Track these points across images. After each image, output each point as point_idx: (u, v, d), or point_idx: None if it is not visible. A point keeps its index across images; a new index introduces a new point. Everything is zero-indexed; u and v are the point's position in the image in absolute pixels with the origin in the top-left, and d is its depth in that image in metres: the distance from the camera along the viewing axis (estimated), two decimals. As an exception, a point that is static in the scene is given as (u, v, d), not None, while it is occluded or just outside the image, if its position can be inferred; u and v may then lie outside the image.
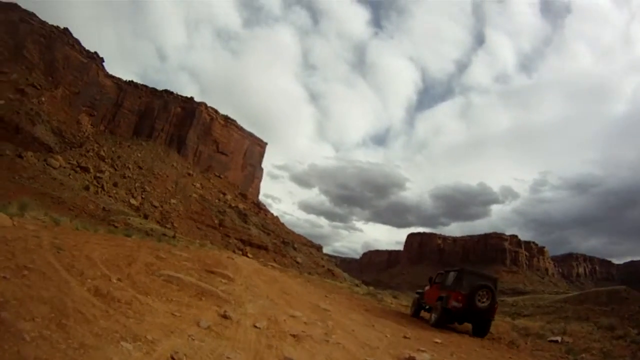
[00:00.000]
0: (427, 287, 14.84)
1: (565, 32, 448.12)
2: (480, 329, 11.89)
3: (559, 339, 13.10)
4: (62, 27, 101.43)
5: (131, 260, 9.09)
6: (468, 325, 12.46)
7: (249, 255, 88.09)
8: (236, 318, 6.18)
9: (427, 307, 13.97)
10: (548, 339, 13.00)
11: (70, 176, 73.46)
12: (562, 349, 11.41)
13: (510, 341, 11.58)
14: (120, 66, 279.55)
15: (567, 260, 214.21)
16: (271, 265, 29.51)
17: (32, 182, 60.93)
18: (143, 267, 8.55)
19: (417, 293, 15.32)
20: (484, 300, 11.62)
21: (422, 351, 6.76)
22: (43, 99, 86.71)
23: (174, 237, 58.97)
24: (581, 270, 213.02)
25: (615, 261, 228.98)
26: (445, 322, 11.98)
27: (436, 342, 8.18)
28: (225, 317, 6.16)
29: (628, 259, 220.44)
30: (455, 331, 12.01)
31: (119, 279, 6.91)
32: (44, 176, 65.75)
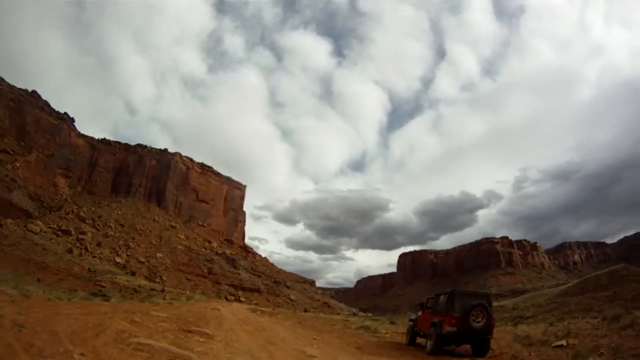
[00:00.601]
0: (419, 313, 14.41)
1: (522, 32, 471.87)
2: (480, 349, 11.46)
3: (563, 343, 12.72)
4: (30, 89, 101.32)
5: (100, 330, 8.49)
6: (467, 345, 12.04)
7: (241, 299, 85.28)
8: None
9: (421, 333, 13.49)
10: (553, 345, 12.60)
11: (52, 240, 71.78)
12: (568, 353, 11.02)
13: (513, 355, 11.16)
14: (92, 124, 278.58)
15: (561, 250, 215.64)
16: (260, 310, 28.37)
17: (14, 248, 59.25)
18: (113, 336, 7.96)
19: (411, 320, 14.83)
20: (479, 319, 11.27)
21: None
22: (17, 164, 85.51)
23: (162, 291, 56.91)
24: (577, 257, 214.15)
25: (609, 240, 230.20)
26: (442, 347, 11.53)
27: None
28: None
29: (621, 236, 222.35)
30: (453, 355, 11.54)
31: (82, 354, 6.37)
32: (26, 242, 64.08)
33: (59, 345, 6.78)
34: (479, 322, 11.27)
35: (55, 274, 54.79)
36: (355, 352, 10.61)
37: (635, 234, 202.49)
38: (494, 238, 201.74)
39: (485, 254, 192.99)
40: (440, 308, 12.05)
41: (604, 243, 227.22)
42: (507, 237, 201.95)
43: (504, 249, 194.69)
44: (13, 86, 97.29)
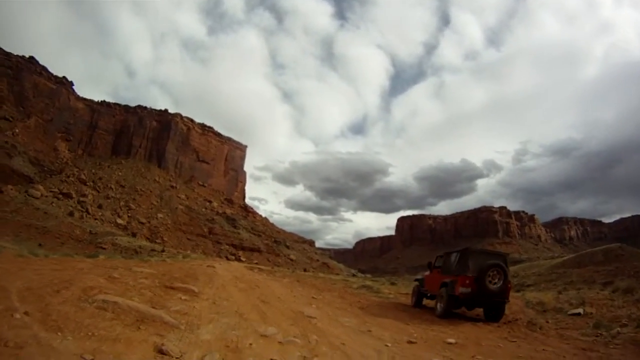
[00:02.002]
0: (426, 273, 13.36)
1: (528, 3, 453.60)
2: (494, 313, 10.45)
3: (580, 311, 11.76)
4: (27, 56, 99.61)
5: (65, 287, 7.27)
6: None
7: (242, 259, 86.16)
8: (178, 352, 4.47)
9: (429, 294, 12.50)
10: (569, 313, 11.63)
11: (53, 204, 72.27)
12: (588, 323, 10.03)
13: (529, 321, 10.12)
14: (91, 88, 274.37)
15: (558, 224, 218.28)
16: (258, 269, 27.75)
17: (15, 215, 59.85)
18: (77, 294, 6.75)
19: (417, 280, 13.82)
20: (496, 281, 10.15)
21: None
22: (17, 130, 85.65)
23: (162, 251, 57.02)
24: (573, 233, 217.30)
25: (606, 220, 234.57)
26: (453, 310, 10.53)
27: (449, 344, 6.61)
28: (162, 352, 4.44)
29: (617, 217, 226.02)
30: (465, 319, 10.55)
31: (26, 313, 5.12)
32: (27, 207, 64.68)
33: (3, 302, 5.59)
34: (495, 283, 10.17)
35: (56, 238, 55.18)
36: (358, 312, 9.56)
37: (632, 216, 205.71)
38: (493, 207, 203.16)
39: (484, 223, 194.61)
40: (452, 267, 10.91)
41: (600, 222, 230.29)
42: (505, 207, 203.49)
43: (502, 218, 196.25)
44: (10, 53, 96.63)
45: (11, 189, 67.77)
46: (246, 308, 7.72)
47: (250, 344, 5.08)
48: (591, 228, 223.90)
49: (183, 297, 7.71)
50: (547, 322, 10.36)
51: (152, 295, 7.49)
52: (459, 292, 9.96)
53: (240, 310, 7.32)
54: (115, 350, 4.32)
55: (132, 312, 5.76)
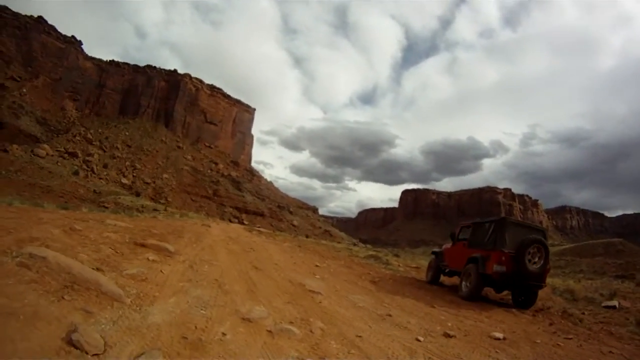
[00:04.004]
0: (446, 245, 11.64)
1: None
2: (526, 299, 8.77)
3: (615, 304, 10.15)
4: (36, 15, 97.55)
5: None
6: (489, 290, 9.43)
7: (245, 222, 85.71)
8: (98, 344, 2.79)
9: (446, 270, 10.83)
10: (603, 305, 10.02)
11: (59, 163, 72.23)
12: (628, 318, 8.41)
13: (564, 311, 8.48)
14: (100, 48, 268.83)
15: (561, 213, 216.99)
16: (258, 231, 26.39)
17: (20, 174, 59.83)
18: (7, 244, 5.09)
19: (434, 253, 12.08)
20: (536, 260, 8.40)
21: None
22: (24, 90, 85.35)
23: (165, 210, 56.40)
24: (575, 222, 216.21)
25: (608, 214, 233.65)
26: (481, 291, 8.87)
27: (498, 340, 4.93)
28: (72, 343, 2.75)
29: (620, 213, 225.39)
30: (493, 303, 8.94)
31: None
32: (32, 167, 64.37)
33: None
34: (535, 263, 8.41)
35: (59, 197, 54.76)
36: (371, 288, 7.90)
37: (635, 213, 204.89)
38: (497, 188, 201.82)
39: (487, 202, 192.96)
40: (484, 240, 9.11)
41: (602, 215, 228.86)
42: (509, 190, 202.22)
43: (505, 200, 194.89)
44: (18, 13, 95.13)
45: (17, 149, 67.64)
46: (231, 276, 6.06)
47: (224, 334, 3.38)
48: (593, 220, 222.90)
49: (151, 258, 6.05)
50: (583, 313, 8.74)
51: (110, 253, 5.84)
52: (493, 270, 8.23)
53: (223, 279, 5.66)
54: (4, 333, 2.66)
55: (62, 274, 4.04)
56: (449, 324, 5.39)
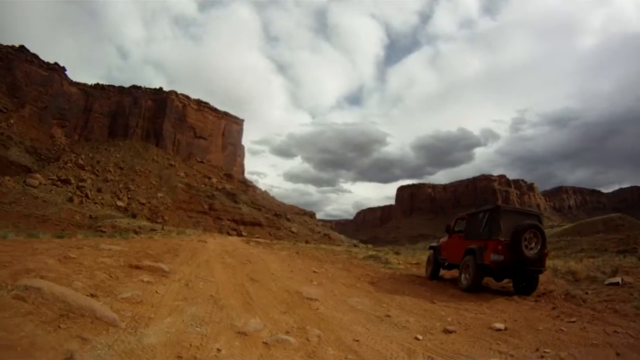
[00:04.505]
0: (443, 239, 11.65)
1: None
2: (526, 285, 8.78)
3: (618, 280, 10.16)
4: (17, 45, 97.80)
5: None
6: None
7: (243, 233, 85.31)
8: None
9: (445, 264, 10.83)
10: (606, 283, 10.03)
11: (52, 192, 72.16)
12: (632, 294, 8.43)
13: (566, 293, 8.48)
14: (84, 72, 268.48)
15: (557, 193, 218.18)
16: (256, 242, 26.27)
17: (15, 205, 59.58)
18: (3, 278, 5.05)
19: (431, 248, 12.08)
20: (533, 245, 8.42)
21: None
22: (12, 121, 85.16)
23: (162, 229, 56.07)
24: (572, 202, 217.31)
25: (604, 190, 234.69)
26: (481, 282, 8.86)
27: (499, 331, 4.91)
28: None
29: (616, 187, 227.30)
30: (494, 292, 8.93)
31: None
32: (26, 197, 64.12)
33: None
34: (532, 249, 8.43)
35: (56, 225, 54.51)
36: (369, 289, 7.86)
37: (631, 187, 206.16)
38: (492, 176, 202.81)
39: (483, 191, 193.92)
40: (480, 230, 9.12)
41: (599, 192, 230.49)
42: (504, 176, 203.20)
43: (501, 187, 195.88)
44: None
45: (9, 180, 67.35)
46: (227, 290, 6.00)
47: (219, 350, 3.33)
48: (590, 198, 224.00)
49: (146, 279, 5.97)
50: (587, 293, 8.75)
51: (104, 278, 5.75)
52: (490, 260, 8.24)
53: (219, 294, 5.60)
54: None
55: (57, 304, 4.01)
56: (449, 319, 5.37)
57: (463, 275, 8.93)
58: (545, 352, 4.21)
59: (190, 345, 3.39)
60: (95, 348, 3.13)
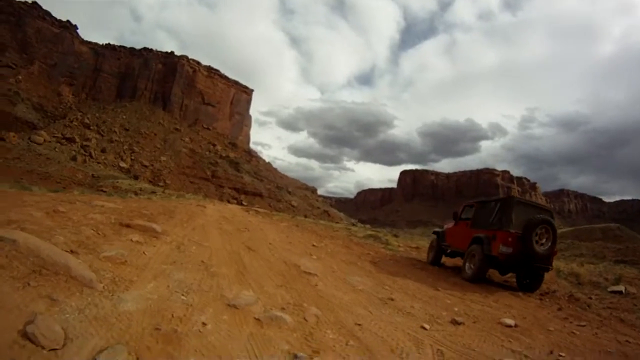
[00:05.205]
0: (448, 225, 11.23)
1: None
2: (531, 282, 8.40)
3: (622, 289, 9.84)
4: (30, 1, 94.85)
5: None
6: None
7: (243, 203, 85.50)
8: (57, 338, 2.36)
9: (448, 251, 10.46)
10: (609, 290, 9.71)
11: (56, 149, 72.24)
12: (636, 304, 8.10)
13: (570, 295, 8.14)
14: (96, 33, 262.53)
15: (559, 196, 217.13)
16: (255, 211, 26.02)
17: (18, 162, 59.88)
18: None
19: (435, 233, 11.69)
20: (543, 241, 8.00)
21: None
22: (20, 77, 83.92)
23: (163, 192, 56.07)
24: (572, 206, 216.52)
25: (605, 199, 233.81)
26: (486, 273, 8.50)
27: (510, 327, 4.54)
28: (27, 337, 2.33)
29: (618, 198, 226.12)
30: (497, 285, 8.60)
31: None
32: (29, 154, 64.12)
33: None
34: (542, 244, 8.02)
35: (58, 183, 54.67)
36: (371, 269, 7.50)
37: (632, 200, 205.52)
38: (495, 170, 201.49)
39: (485, 184, 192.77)
40: (490, 220, 8.68)
41: (600, 200, 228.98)
42: (508, 172, 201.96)
43: (504, 182, 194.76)
44: (11, 0, 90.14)
45: (13, 136, 67.52)
46: (220, 257, 5.63)
47: (204, 324, 2.95)
48: (591, 205, 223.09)
49: (135, 239, 5.59)
50: (590, 298, 8.41)
51: (90, 235, 5.37)
52: (499, 251, 7.83)
53: (211, 261, 5.22)
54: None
55: (30, 258, 3.61)
56: (456, 309, 5.00)
57: (467, 265, 8.55)
58: (560, 355, 3.84)
59: (172, 315, 3.01)
60: (64, 311, 2.74)
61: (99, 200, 9.76)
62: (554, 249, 8.27)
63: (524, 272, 8.42)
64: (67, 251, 4.34)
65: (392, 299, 4.92)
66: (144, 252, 4.98)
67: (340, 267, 6.97)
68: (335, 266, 6.86)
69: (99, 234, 5.64)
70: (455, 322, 4.28)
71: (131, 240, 5.56)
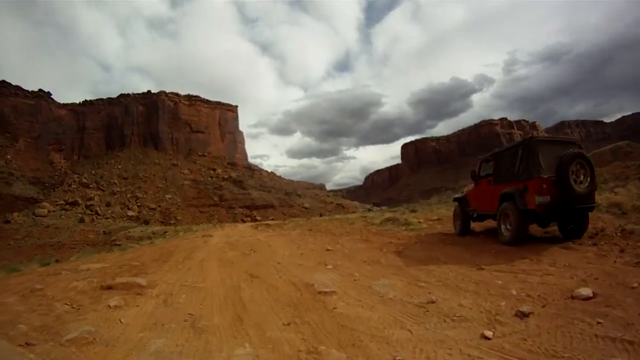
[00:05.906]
0: (469, 187, 10.16)
1: None
2: (577, 226, 7.32)
3: None
4: None
5: None
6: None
7: (257, 218, 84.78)
8: None
9: (474, 215, 9.38)
10: None
11: (62, 216, 72.52)
12: None
13: (622, 229, 7.02)
14: (71, 93, 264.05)
15: (560, 129, 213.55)
16: (265, 225, 25.11)
17: (28, 239, 59.42)
18: None
19: (456, 200, 10.61)
20: (582, 179, 6.92)
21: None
22: (9, 156, 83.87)
23: (175, 229, 55.66)
24: (576, 135, 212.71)
25: (607, 120, 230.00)
26: (526, 230, 7.41)
27: (588, 300, 3.50)
28: None
29: (619, 116, 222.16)
30: (541, 240, 7.53)
31: None
32: (37, 228, 63.88)
33: None
34: (581, 182, 6.93)
35: (72, 248, 54.44)
36: (397, 262, 6.44)
37: (633, 114, 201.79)
38: (493, 120, 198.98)
39: (486, 136, 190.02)
40: (515, 170, 7.57)
41: (602, 122, 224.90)
42: (506, 118, 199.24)
43: (504, 130, 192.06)
44: None
45: (17, 216, 67.76)
46: (215, 301, 4.65)
47: None
48: (594, 129, 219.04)
49: (114, 304, 4.66)
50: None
51: (62, 311, 4.53)
52: (536, 203, 6.76)
53: (202, 310, 4.25)
54: None
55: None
56: (514, 292, 3.96)
57: (503, 227, 7.48)
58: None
59: None
60: None
61: (89, 262, 8.89)
62: (594, 183, 7.19)
63: (567, 218, 7.34)
64: (21, 345, 3.50)
65: (433, 301, 3.90)
66: (120, 320, 4.04)
67: (362, 270, 5.95)
68: (356, 272, 5.84)
69: (73, 307, 4.79)
70: (521, 315, 3.25)
71: (109, 306, 4.63)
